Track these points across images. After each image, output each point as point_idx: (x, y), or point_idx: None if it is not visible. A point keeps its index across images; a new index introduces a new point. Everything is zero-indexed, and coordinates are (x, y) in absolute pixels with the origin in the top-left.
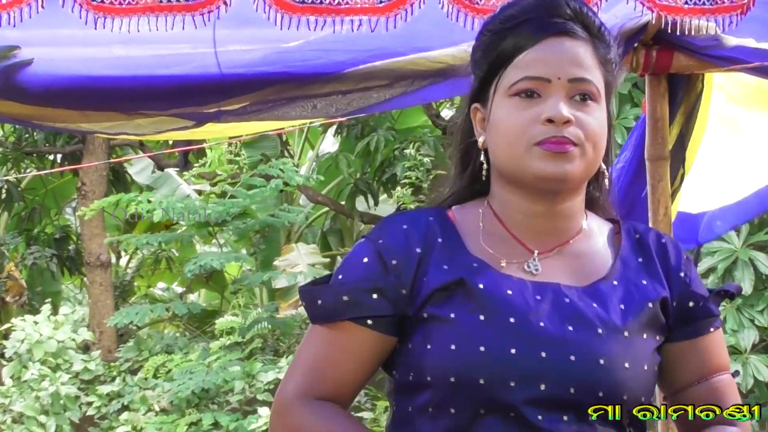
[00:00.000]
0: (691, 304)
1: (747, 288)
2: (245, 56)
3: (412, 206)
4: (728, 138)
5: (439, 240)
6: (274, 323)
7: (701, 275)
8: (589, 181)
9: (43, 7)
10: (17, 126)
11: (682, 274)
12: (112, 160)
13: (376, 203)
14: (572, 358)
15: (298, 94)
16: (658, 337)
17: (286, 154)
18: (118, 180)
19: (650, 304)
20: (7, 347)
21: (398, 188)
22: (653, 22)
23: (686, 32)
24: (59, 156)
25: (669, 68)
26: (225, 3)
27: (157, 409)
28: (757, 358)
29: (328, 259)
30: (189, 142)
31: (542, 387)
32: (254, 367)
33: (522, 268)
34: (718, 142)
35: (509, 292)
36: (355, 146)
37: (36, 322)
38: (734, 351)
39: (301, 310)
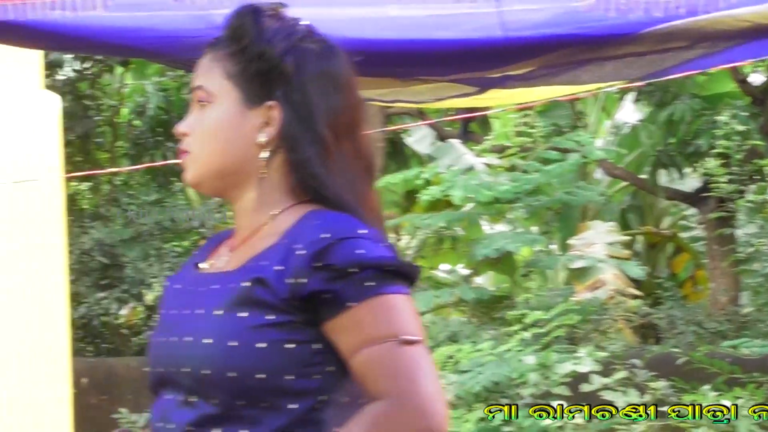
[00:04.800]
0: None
1: None
2: (531, 16)
3: (722, 180)
4: None
5: (196, 253)
6: (580, 313)
7: None
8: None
9: None
10: None
11: (303, 252)
12: (386, 128)
13: (681, 177)
14: (173, 339)
15: (590, 57)
16: (267, 316)
17: (580, 123)
18: (396, 151)
19: (245, 283)
20: None
21: (706, 160)
22: None
23: None
24: None
25: None
26: None
27: None
28: None
29: (628, 238)
30: (471, 110)
31: (161, 369)
32: (549, 357)
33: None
34: None
35: (178, 287)
36: (656, 115)
37: None
38: None
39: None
